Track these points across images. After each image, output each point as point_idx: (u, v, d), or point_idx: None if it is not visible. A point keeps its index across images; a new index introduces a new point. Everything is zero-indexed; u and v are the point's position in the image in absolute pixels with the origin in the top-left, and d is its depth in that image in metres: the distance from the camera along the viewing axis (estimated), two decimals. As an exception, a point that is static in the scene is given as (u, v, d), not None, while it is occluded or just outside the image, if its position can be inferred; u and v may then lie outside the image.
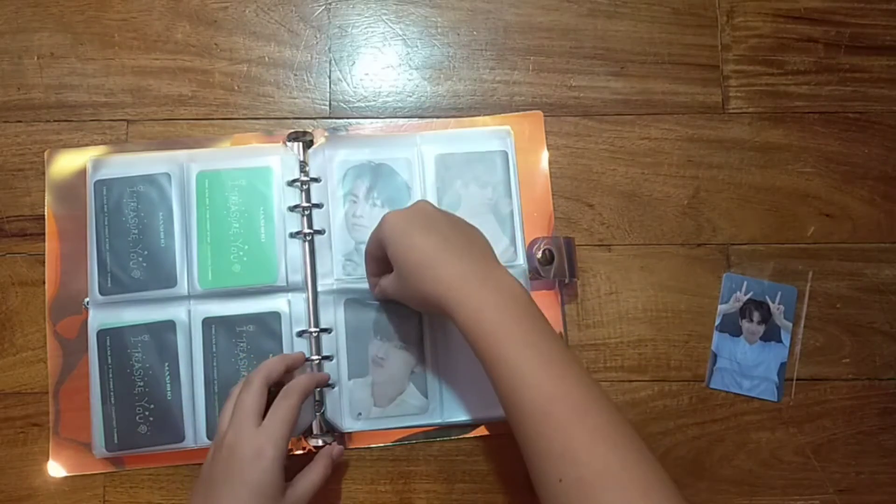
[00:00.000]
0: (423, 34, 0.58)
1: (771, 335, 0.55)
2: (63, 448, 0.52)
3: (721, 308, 0.55)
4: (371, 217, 0.54)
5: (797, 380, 0.55)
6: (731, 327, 0.55)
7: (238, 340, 0.53)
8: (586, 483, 0.36)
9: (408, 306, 0.48)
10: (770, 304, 0.55)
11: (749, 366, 0.54)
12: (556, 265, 0.54)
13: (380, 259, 0.48)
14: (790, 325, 0.55)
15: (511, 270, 0.53)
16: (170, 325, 0.52)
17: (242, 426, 0.44)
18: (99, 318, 0.52)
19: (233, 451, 0.44)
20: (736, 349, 0.55)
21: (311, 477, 0.47)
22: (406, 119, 0.57)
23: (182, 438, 0.52)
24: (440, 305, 0.42)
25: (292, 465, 0.48)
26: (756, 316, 0.55)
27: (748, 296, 0.55)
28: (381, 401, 0.53)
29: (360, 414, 0.52)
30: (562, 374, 0.39)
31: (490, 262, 0.45)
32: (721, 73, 0.58)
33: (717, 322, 0.55)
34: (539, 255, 0.54)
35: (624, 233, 0.56)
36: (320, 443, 0.52)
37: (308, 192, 0.54)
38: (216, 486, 0.43)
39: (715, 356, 0.55)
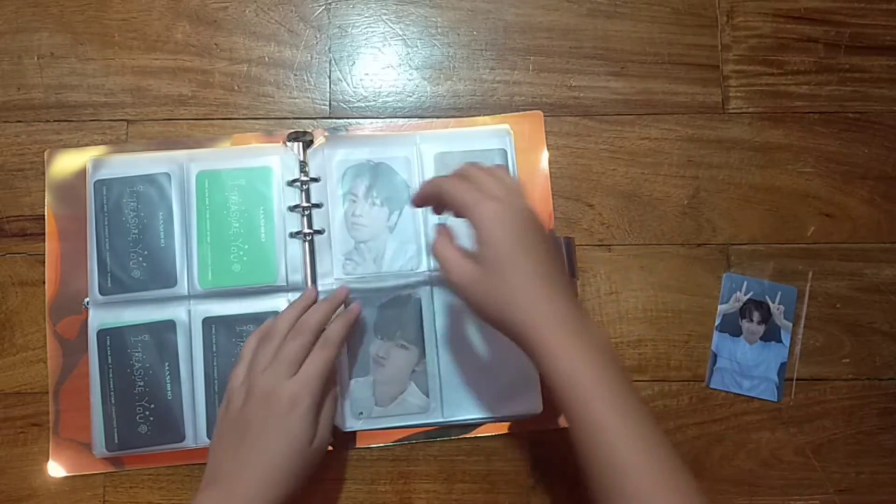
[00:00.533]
0: (423, 34, 0.58)
1: (771, 335, 0.55)
2: (63, 448, 0.52)
3: (721, 308, 0.55)
4: (370, 216, 0.54)
5: (797, 380, 0.55)
6: (731, 327, 0.55)
7: (238, 340, 0.53)
8: None
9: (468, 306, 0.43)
10: (770, 304, 0.55)
11: (749, 366, 0.55)
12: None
13: (439, 207, 0.45)
14: (790, 325, 0.55)
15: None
16: (170, 325, 0.52)
17: (280, 375, 0.45)
18: (99, 318, 0.52)
19: (268, 398, 0.44)
20: (736, 349, 0.55)
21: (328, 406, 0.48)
22: (406, 119, 0.57)
23: (182, 438, 0.52)
24: (523, 340, 0.40)
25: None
26: (756, 316, 0.55)
27: (748, 296, 0.55)
28: (383, 400, 0.53)
29: (361, 413, 0.52)
30: (663, 458, 0.38)
31: (576, 302, 0.42)
32: (721, 73, 0.58)
33: (717, 322, 0.55)
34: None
35: (624, 233, 0.56)
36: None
37: (308, 191, 0.54)
38: (252, 433, 0.44)
39: (715, 356, 0.55)
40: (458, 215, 0.43)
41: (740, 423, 0.54)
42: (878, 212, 0.57)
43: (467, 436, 0.53)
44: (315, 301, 0.51)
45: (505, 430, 0.53)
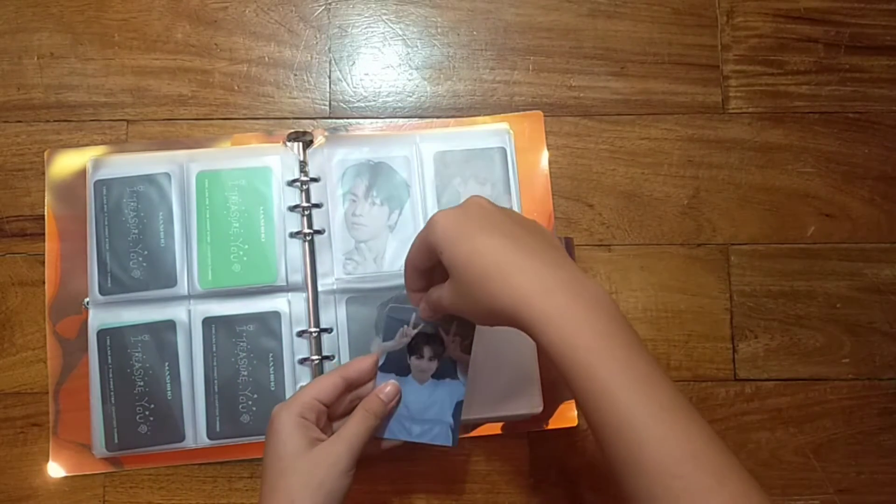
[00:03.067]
0: (423, 34, 0.58)
1: (444, 372, 0.46)
2: (63, 448, 0.52)
3: (385, 345, 0.47)
4: (371, 215, 0.54)
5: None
6: (396, 367, 0.46)
7: (238, 340, 0.53)
8: None
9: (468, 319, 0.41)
10: (444, 336, 0.46)
11: (419, 409, 0.46)
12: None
13: (425, 271, 0.42)
14: (468, 357, 0.47)
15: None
16: (170, 325, 0.52)
17: None
18: (99, 318, 0.52)
19: None
20: (405, 391, 0.46)
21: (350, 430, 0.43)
22: (406, 119, 0.57)
23: (182, 438, 0.52)
24: (516, 321, 0.36)
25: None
26: (427, 352, 0.46)
27: (418, 328, 0.46)
28: (381, 401, 0.52)
29: (360, 414, 0.52)
30: (687, 425, 0.33)
31: (568, 263, 0.37)
32: (721, 73, 0.58)
33: (380, 362, 0.46)
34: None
35: (624, 233, 0.56)
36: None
37: (308, 191, 0.54)
38: None
39: None
40: (434, 268, 0.41)
41: (740, 423, 0.54)
42: (878, 212, 0.57)
43: (467, 436, 0.53)
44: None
45: (505, 431, 0.53)
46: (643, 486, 0.32)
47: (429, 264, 0.41)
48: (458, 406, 0.46)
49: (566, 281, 0.36)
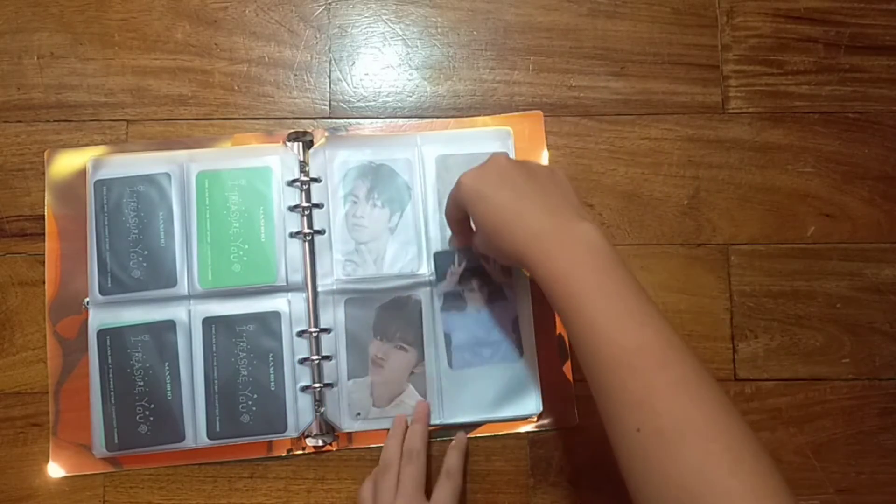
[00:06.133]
0: (423, 34, 0.58)
1: (494, 296, 0.54)
2: (63, 449, 0.52)
3: (441, 287, 0.54)
4: (371, 217, 0.54)
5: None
6: (454, 302, 0.54)
7: (238, 340, 0.53)
8: (666, 433, 0.35)
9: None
10: (485, 265, 0.54)
11: (484, 333, 0.53)
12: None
13: (462, 220, 0.49)
14: (510, 278, 0.54)
15: (511, 271, 0.54)
16: (170, 325, 0.53)
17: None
18: (99, 318, 0.52)
19: None
20: (467, 322, 0.53)
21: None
22: (406, 119, 0.57)
23: (182, 438, 0.52)
24: (521, 263, 0.43)
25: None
26: (475, 282, 0.54)
27: (462, 265, 0.54)
28: (381, 401, 0.53)
29: (358, 414, 0.52)
30: (641, 324, 0.38)
31: (566, 211, 0.43)
32: (721, 73, 0.58)
33: (440, 304, 0.54)
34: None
35: (624, 233, 0.56)
36: (320, 442, 0.52)
37: (308, 192, 0.54)
38: None
39: (448, 337, 0.53)
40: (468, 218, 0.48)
41: (740, 423, 0.54)
42: (878, 212, 0.57)
43: (467, 436, 0.53)
44: (405, 425, 0.52)
45: (505, 431, 0.54)
46: (602, 381, 0.38)
47: (462, 216, 0.48)
48: (515, 322, 0.53)
49: (553, 226, 0.42)
